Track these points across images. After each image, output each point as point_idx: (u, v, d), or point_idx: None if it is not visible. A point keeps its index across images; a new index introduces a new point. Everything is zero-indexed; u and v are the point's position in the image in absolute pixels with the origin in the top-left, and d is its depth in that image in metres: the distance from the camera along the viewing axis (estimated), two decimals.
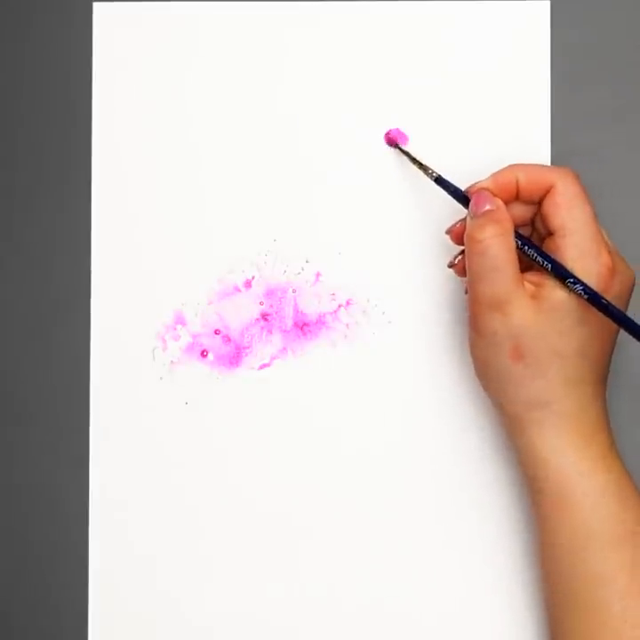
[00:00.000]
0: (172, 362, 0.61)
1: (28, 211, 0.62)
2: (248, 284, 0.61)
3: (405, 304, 0.60)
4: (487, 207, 0.53)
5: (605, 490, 0.52)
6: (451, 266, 0.57)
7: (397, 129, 0.61)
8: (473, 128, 0.60)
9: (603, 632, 0.51)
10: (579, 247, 0.52)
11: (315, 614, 0.60)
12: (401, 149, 0.60)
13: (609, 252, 0.52)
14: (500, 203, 0.53)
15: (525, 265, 0.53)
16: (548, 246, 0.53)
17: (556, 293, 0.52)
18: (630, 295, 0.53)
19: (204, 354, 0.61)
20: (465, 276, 0.55)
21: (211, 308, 0.61)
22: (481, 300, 0.52)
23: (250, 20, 0.61)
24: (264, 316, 0.61)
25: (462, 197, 0.55)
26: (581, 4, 0.61)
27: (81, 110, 0.62)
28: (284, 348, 0.61)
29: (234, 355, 0.61)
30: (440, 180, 0.57)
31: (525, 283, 0.52)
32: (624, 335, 0.52)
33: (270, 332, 0.61)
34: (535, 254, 0.53)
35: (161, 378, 0.61)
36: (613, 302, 0.51)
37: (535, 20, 0.61)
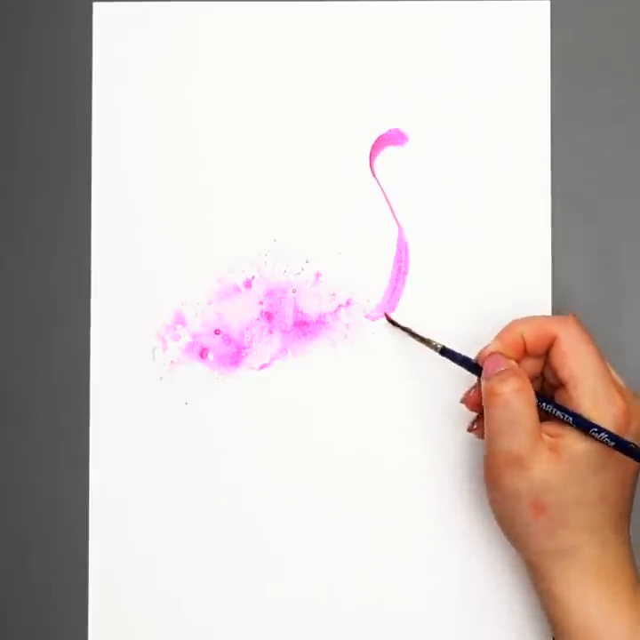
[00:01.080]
0: (171, 362, 0.61)
1: (28, 211, 0.62)
2: (248, 283, 0.61)
3: (405, 304, 0.60)
4: (502, 368, 0.53)
5: (630, 633, 0.52)
6: (470, 430, 0.57)
7: (397, 129, 0.61)
8: (473, 129, 0.60)
9: None
10: (592, 395, 0.52)
11: (314, 614, 0.60)
12: (400, 326, 0.59)
13: (621, 393, 0.52)
14: (514, 363, 0.54)
15: (541, 416, 0.53)
16: (561, 397, 0.54)
17: (576, 444, 0.52)
18: None
19: (203, 354, 0.61)
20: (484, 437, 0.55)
21: (211, 307, 0.61)
22: (499, 456, 0.52)
23: (250, 20, 0.61)
24: (264, 316, 0.61)
25: (471, 366, 0.55)
26: (581, 4, 0.61)
27: (81, 110, 0.62)
28: (284, 348, 0.61)
29: (234, 355, 0.61)
30: (445, 351, 0.57)
31: (543, 435, 0.52)
32: None
33: (270, 332, 0.61)
34: (554, 409, 0.53)
35: (161, 378, 0.61)
36: (634, 442, 0.51)
37: (535, 19, 0.61)
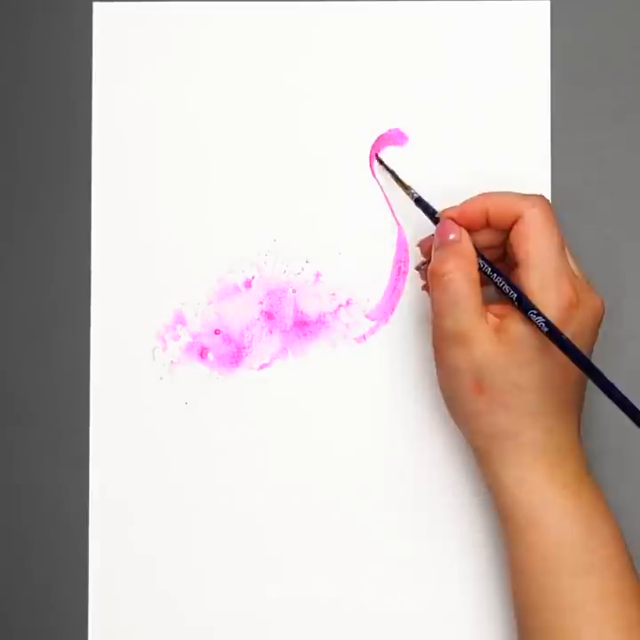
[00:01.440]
0: (171, 362, 0.61)
1: (28, 211, 0.62)
2: (248, 283, 0.61)
3: (405, 304, 0.60)
4: (451, 237, 0.53)
5: (572, 517, 0.52)
6: (417, 268, 0.58)
7: (397, 129, 0.61)
8: (473, 129, 0.60)
9: None
10: (540, 279, 0.52)
11: (314, 614, 0.60)
12: (386, 167, 0.60)
13: (572, 285, 0.52)
14: (465, 234, 0.53)
15: (490, 296, 0.53)
16: (513, 277, 0.53)
17: (518, 326, 0.51)
18: (597, 327, 0.53)
19: (203, 354, 0.61)
20: (427, 283, 0.55)
21: (211, 307, 0.61)
22: (444, 335, 0.53)
23: (250, 20, 0.61)
24: (264, 316, 0.61)
25: (438, 220, 0.55)
26: (581, 4, 0.61)
27: (81, 110, 0.62)
28: (284, 348, 0.61)
29: (234, 355, 0.61)
30: (420, 201, 0.57)
31: (489, 315, 0.52)
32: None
33: (270, 332, 0.61)
34: (503, 283, 0.52)
35: (161, 378, 0.61)
36: (574, 336, 0.51)
37: (535, 19, 0.61)
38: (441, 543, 0.60)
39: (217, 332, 0.61)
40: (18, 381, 0.61)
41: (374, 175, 0.61)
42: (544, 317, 0.51)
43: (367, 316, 0.60)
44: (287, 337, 0.61)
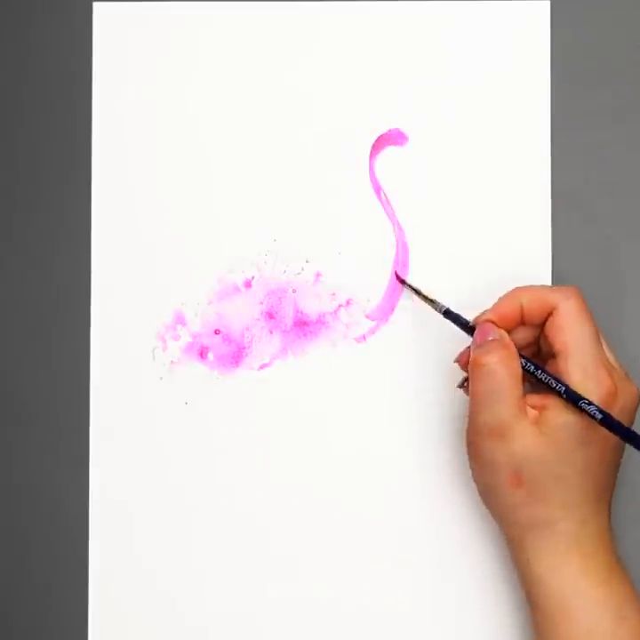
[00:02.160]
0: (172, 362, 0.61)
1: (28, 211, 0.62)
2: (248, 283, 0.61)
3: (405, 304, 0.60)
4: (490, 338, 0.53)
5: (603, 606, 0.51)
6: (460, 387, 0.57)
7: (397, 129, 0.61)
8: (473, 128, 0.60)
9: None
10: (580, 370, 0.52)
11: (313, 615, 0.60)
12: (410, 286, 0.59)
13: (610, 375, 0.52)
14: (504, 333, 0.54)
15: (527, 388, 0.53)
16: (550, 368, 0.53)
17: (559, 417, 0.52)
18: (634, 414, 0.53)
19: (203, 354, 0.61)
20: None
21: (211, 307, 0.61)
22: (481, 428, 0.52)
23: (250, 20, 0.61)
24: (264, 316, 0.61)
25: (471, 329, 0.55)
26: (581, 4, 0.61)
27: (81, 110, 0.62)
28: (284, 348, 0.61)
29: (234, 355, 0.61)
30: (448, 313, 0.57)
31: (527, 407, 0.52)
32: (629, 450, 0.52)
33: (270, 332, 0.61)
34: (547, 377, 0.52)
35: (161, 378, 0.61)
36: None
37: (535, 19, 0.61)
38: (441, 540, 0.60)
39: (217, 331, 0.61)
40: (18, 381, 0.61)
41: (374, 175, 0.61)
42: (596, 406, 0.51)
43: (367, 316, 0.61)
44: (287, 337, 0.61)
